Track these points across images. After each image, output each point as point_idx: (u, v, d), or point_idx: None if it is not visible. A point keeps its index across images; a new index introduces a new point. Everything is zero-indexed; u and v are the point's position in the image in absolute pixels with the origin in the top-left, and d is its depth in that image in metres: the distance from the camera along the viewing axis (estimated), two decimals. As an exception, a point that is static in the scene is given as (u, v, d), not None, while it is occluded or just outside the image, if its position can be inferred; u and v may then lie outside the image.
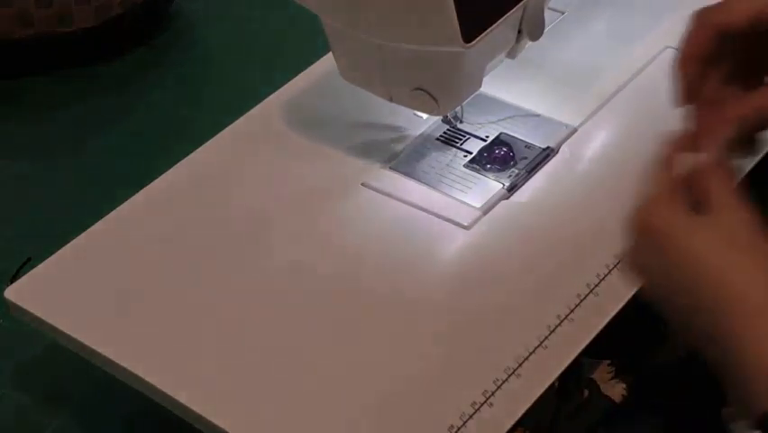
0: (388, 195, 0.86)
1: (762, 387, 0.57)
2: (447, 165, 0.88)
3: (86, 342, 0.78)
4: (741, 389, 0.58)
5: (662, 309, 0.64)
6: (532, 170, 0.87)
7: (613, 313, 0.77)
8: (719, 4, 0.69)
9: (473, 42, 0.76)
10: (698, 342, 0.62)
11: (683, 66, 0.70)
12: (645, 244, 0.65)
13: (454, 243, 0.83)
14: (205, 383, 0.75)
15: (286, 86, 0.97)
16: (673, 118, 0.90)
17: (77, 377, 0.84)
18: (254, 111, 0.95)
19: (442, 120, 0.90)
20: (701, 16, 0.69)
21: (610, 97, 0.92)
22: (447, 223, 0.84)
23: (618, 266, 0.78)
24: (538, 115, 0.91)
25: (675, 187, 0.66)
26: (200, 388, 0.74)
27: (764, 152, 0.84)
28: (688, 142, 0.68)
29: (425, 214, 0.85)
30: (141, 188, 0.89)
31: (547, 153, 0.88)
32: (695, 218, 0.64)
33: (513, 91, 0.93)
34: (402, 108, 0.87)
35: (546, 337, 0.75)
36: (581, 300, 0.77)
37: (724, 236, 0.62)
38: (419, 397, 0.73)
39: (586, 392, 0.76)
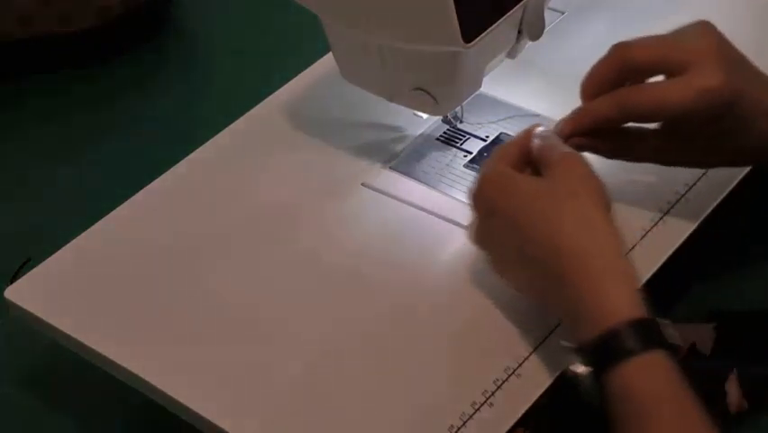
0: (388, 195, 0.86)
1: (589, 330, 0.66)
2: (447, 165, 0.88)
3: (86, 342, 0.77)
4: (574, 330, 0.68)
5: (503, 276, 0.73)
6: (532, 170, 0.87)
7: (613, 313, 0.77)
8: (637, 39, 0.77)
9: (473, 42, 0.76)
10: (534, 293, 0.72)
11: (582, 86, 0.78)
12: (488, 206, 0.73)
13: (454, 243, 0.83)
14: (206, 383, 0.75)
15: (286, 86, 0.97)
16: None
17: (77, 377, 0.84)
18: (254, 111, 0.95)
19: (442, 120, 0.90)
20: (617, 47, 0.77)
21: (610, 97, 0.92)
22: (447, 223, 0.84)
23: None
24: (538, 115, 0.91)
25: (519, 155, 0.75)
26: (200, 388, 0.74)
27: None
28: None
29: (425, 214, 0.85)
30: (141, 188, 0.89)
31: (547, 153, 0.88)
32: (532, 178, 0.73)
33: (513, 91, 0.92)
34: (402, 108, 0.87)
35: (546, 337, 0.75)
36: (581, 300, 0.77)
37: (560, 193, 0.71)
38: (419, 397, 0.73)
39: (586, 392, 0.76)
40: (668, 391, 0.64)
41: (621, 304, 0.66)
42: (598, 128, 0.78)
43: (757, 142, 0.78)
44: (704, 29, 0.77)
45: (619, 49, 0.77)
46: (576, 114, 0.78)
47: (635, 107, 0.76)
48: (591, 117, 0.78)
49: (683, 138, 0.78)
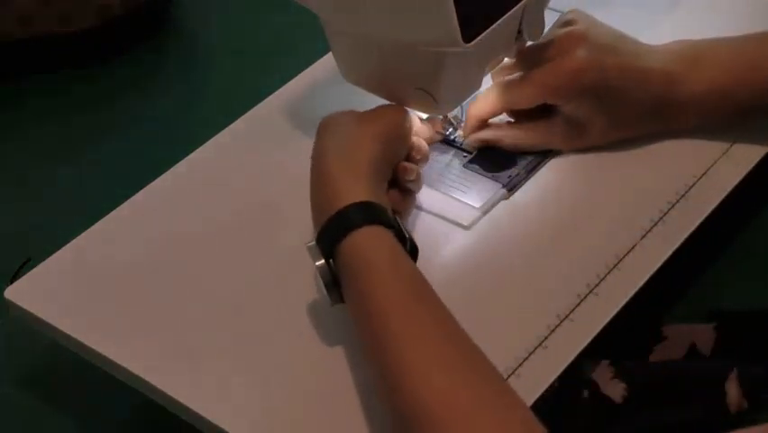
0: (388, 195, 0.86)
1: (325, 217, 0.74)
2: (447, 165, 0.88)
3: (86, 342, 0.78)
4: (317, 225, 0.75)
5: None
6: (532, 170, 0.87)
7: (613, 313, 0.77)
8: (520, 76, 0.85)
9: (473, 42, 0.76)
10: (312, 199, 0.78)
11: (467, 119, 0.88)
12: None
13: (454, 243, 0.83)
14: (206, 383, 0.75)
15: (286, 86, 0.97)
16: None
17: (77, 377, 0.84)
18: (254, 111, 0.95)
19: (442, 120, 0.90)
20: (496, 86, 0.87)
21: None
22: (447, 223, 0.84)
23: (613, 268, 0.79)
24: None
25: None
26: (200, 388, 0.74)
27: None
28: None
29: (425, 214, 0.85)
30: (141, 188, 0.89)
31: (547, 153, 0.88)
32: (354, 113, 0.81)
33: (513, 91, 0.92)
34: (402, 108, 0.87)
35: (546, 337, 0.75)
36: (581, 300, 0.77)
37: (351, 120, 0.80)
38: (419, 397, 0.73)
39: (586, 392, 0.76)
40: (389, 258, 0.72)
41: (351, 195, 0.74)
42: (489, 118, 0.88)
43: (641, 110, 0.86)
44: (570, 18, 0.86)
45: (498, 87, 0.87)
46: (468, 119, 0.88)
47: (517, 96, 0.86)
48: (479, 116, 0.87)
49: (580, 121, 0.85)
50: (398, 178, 0.81)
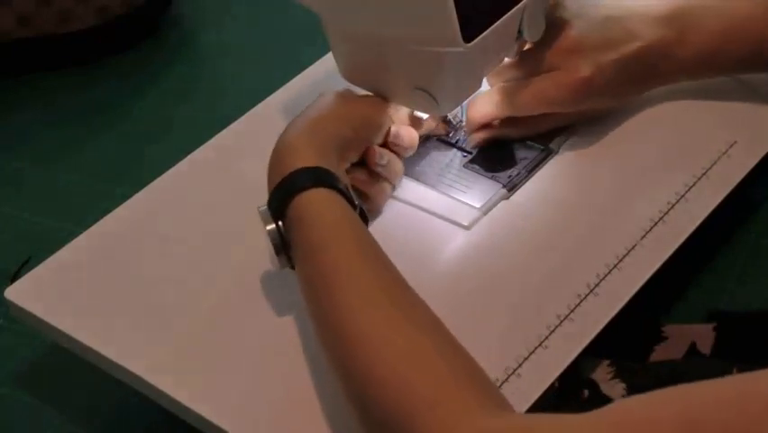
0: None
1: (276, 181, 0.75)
2: (447, 165, 0.88)
3: (87, 342, 0.78)
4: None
5: None
6: (532, 170, 0.87)
7: (613, 313, 0.77)
8: (520, 84, 0.86)
9: (473, 42, 0.76)
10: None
11: (467, 121, 0.89)
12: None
13: (454, 243, 0.83)
14: (206, 383, 0.75)
15: (286, 86, 0.97)
16: (671, 116, 0.90)
17: (76, 377, 0.84)
18: (254, 111, 0.95)
19: (442, 120, 0.90)
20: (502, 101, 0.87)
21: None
22: (447, 223, 0.84)
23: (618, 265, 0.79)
24: (538, 115, 0.91)
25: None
26: (201, 388, 0.74)
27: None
28: None
29: (425, 214, 0.85)
30: (141, 188, 0.89)
31: (547, 153, 0.88)
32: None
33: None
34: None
35: (546, 337, 0.75)
36: (581, 300, 0.77)
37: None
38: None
39: (586, 392, 0.76)
40: (337, 217, 0.73)
41: (303, 161, 0.75)
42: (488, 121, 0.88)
43: (637, 80, 0.88)
44: (561, 22, 0.86)
45: (497, 74, 0.88)
46: (468, 121, 0.88)
47: (519, 106, 0.86)
48: (479, 120, 0.88)
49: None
50: (367, 160, 0.81)
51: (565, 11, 0.86)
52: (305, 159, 0.75)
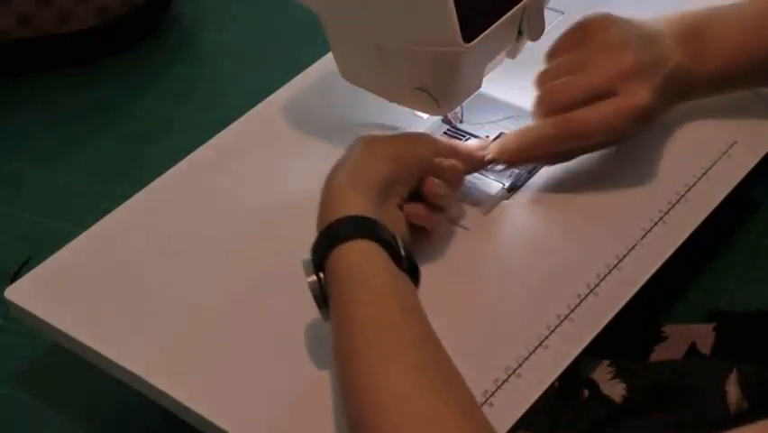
0: (389, 195, 0.86)
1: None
2: (447, 165, 0.88)
3: (87, 342, 0.78)
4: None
5: None
6: (532, 170, 0.87)
7: (613, 313, 0.77)
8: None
9: (473, 42, 0.76)
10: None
11: (501, 150, 0.84)
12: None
13: (454, 243, 0.83)
14: (205, 383, 0.75)
15: (286, 86, 0.97)
16: (671, 116, 0.90)
17: (76, 377, 0.84)
18: (254, 111, 0.95)
19: (442, 120, 0.90)
20: (544, 93, 0.84)
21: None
22: (447, 223, 0.84)
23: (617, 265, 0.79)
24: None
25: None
26: (200, 388, 0.74)
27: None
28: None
29: (425, 214, 0.85)
30: (141, 188, 0.89)
31: (547, 153, 0.88)
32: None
33: (513, 91, 0.92)
34: (402, 108, 0.87)
35: (546, 337, 0.75)
36: (581, 300, 0.77)
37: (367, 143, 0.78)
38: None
39: (586, 392, 0.76)
40: (375, 272, 0.69)
41: (348, 209, 0.72)
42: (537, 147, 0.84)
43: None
44: (614, 44, 0.83)
45: (547, 94, 0.84)
46: (521, 135, 0.84)
47: (577, 132, 0.82)
48: (535, 139, 0.84)
49: None
50: (426, 193, 0.79)
51: (619, 29, 0.84)
52: (349, 204, 0.72)
